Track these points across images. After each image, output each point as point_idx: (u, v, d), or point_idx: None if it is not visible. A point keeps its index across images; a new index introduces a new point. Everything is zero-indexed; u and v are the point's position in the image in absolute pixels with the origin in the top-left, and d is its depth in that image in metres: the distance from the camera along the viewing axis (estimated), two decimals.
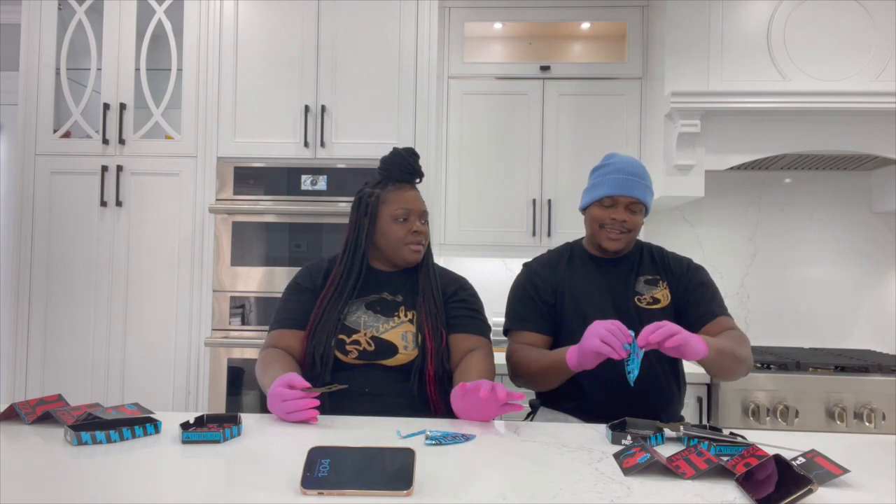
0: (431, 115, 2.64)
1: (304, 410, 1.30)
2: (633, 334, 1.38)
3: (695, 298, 1.69)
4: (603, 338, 1.35)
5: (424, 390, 1.54)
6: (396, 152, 1.66)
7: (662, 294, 1.71)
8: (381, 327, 1.56)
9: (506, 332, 1.77)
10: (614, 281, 1.72)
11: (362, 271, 1.63)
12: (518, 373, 1.67)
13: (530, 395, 1.84)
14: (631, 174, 1.66)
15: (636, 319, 1.66)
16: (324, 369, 1.52)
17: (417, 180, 1.69)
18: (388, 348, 1.54)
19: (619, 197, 1.66)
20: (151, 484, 0.93)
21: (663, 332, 1.35)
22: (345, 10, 2.66)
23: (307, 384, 1.33)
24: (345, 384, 1.44)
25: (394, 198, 1.62)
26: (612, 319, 1.41)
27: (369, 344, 1.54)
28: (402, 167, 1.65)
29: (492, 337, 2.82)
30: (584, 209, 1.77)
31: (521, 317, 1.73)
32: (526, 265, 1.83)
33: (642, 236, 2.81)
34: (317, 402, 1.32)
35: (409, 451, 0.96)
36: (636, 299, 1.69)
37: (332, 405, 1.50)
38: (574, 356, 1.46)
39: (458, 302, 1.66)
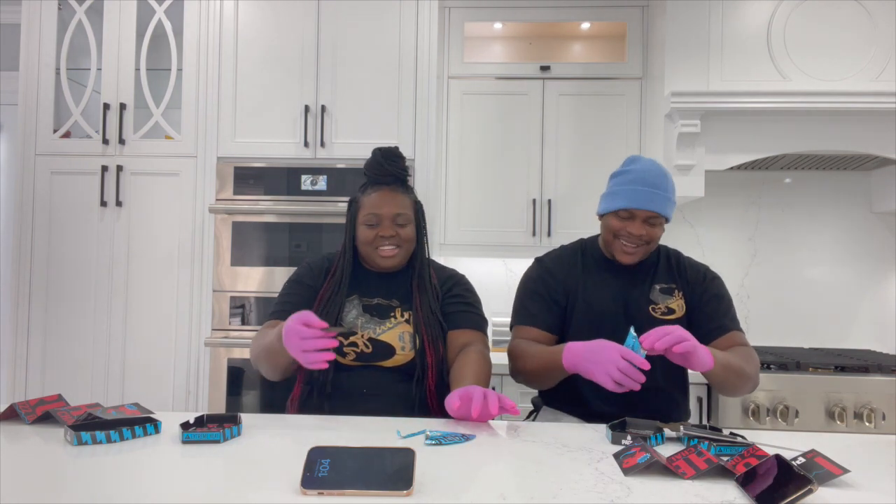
0: (431, 115, 2.64)
1: (320, 352, 1.28)
2: (634, 334, 1.36)
3: (708, 310, 1.64)
4: (617, 379, 1.32)
5: (424, 391, 1.54)
6: (373, 153, 1.61)
7: (677, 304, 1.65)
8: (378, 329, 1.56)
9: (512, 326, 1.72)
10: (629, 288, 1.66)
11: (349, 276, 1.61)
12: (517, 369, 1.63)
13: (534, 392, 1.83)
14: (651, 185, 1.57)
15: (649, 330, 1.62)
16: (323, 373, 1.52)
17: (394, 181, 1.61)
18: (386, 350, 1.54)
19: (636, 210, 1.58)
20: (151, 484, 0.93)
21: (670, 339, 1.31)
22: (345, 10, 2.67)
23: (324, 324, 1.30)
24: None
25: (366, 201, 1.59)
26: (621, 346, 1.35)
27: (367, 346, 1.54)
28: (376, 170, 1.60)
29: (496, 337, 2.84)
30: (600, 215, 1.69)
31: (529, 312, 1.67)
32: (539, 260, 1.75)
33: None
34: (335, 343, 1.30)
35: (409, 451, 0.96)
36: (650, 308, 1.64)
37: (332, 406, 1.50)
38: (571, 360, 1.43)
39: (453, 297, 1.65)
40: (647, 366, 1.32)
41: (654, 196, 1.57)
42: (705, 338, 1.62)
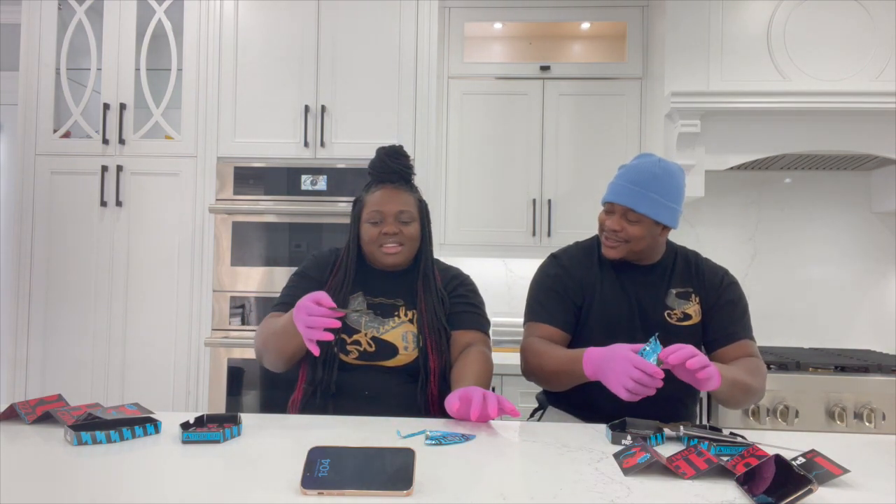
0: (431, 115, 2.64)
1: (320, 329, 1.29)
2: (657, 343, 1.32)
3: (721, 316, 1.61)
4: (630, 389, 1.28)
5: (426, 392, 1.54)
6: (377, 152, 1.62)
7: (694, 310, 1.62)
8: (382, 328, 1.55)
9: (525, 322, 1.68)
10: (644, 292, 1.63)
11: (352, 275, 1.60)
12: (530, 368, 1.59)
13: (537, 387, 1.82)
14: (633, 182, 1.55)
15: (664, 337, 1.55)
16: (327, 373, 1.52)
17: (399, 179, 1.61)
18: (389, 349, 1.54)
19: (615, 204, 1.58)
20: (151, 484, 0.93)
21: (682, 355, 1.28)
22: (345, 10, 2.67)
23: (332, 304, 1.33)
24: (340, 389, 1.46)
25: (369, 200, 1.59)
26: (634, 356, 1.31)
27: (370, 345, 1.53)
28: (381, 168, 1.60)
29: (496, 336, 2.84)
30: None
31: (545, 309, 1.63)
32: (555, 257, 1.71)
33: None
34: (338, 324, 1.31)
35: (409, 451, 0.96)
36: (666, 314, 1.61)
37: (334, 407, 1.49)
38: (591, 368, 1.39)
39: (457, 297, 1.65)
40: (661, 375, 1.28)
41: (633, 192, 1.54)
42: (715, 344, 1.60)
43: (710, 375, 1.30)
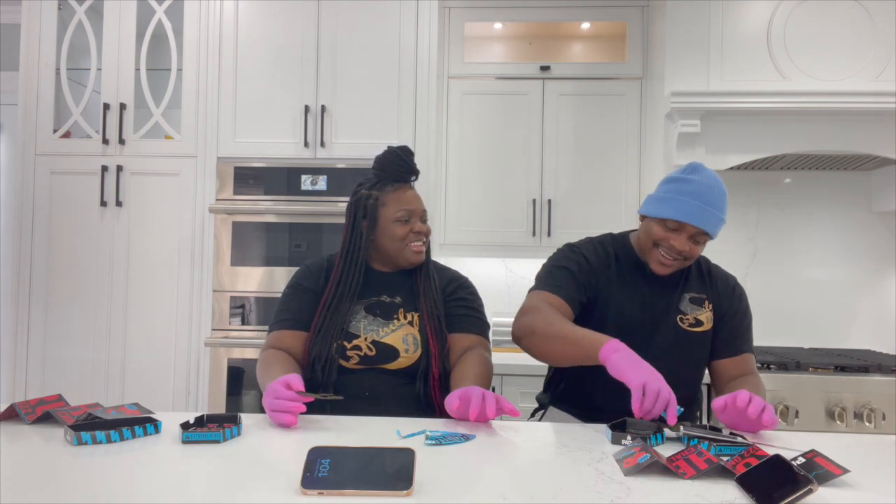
0: (431, 115, 2.64)
1: (285, 413, 1.26)
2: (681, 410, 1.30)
3: (730, 326, 1.61)
4: (650, 390, 1.23)
5: (429, 393, 1.54)
6: (392, 151, 1.61)
7: (706, 316, 1.61)
8: (381, 331, 1.55)
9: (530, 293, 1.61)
10: (659, 295, 1.61)
11: (360, 275, 1.59)
12: (529, 328, 1.48)
13: (537, 387, 1.82)
14: (709, 203, 1.49)
15: (675, 341, 1.58)
16: (327, 376, 1.52)
17: (414, 178, 1.65)
18: (390, 352, 1.53)
19: (686, 225, 1.50)
20: (151, 484, 0.93)
21: (758, 408, 1.27)
22: (345, 10, 2.67)
23: (301, 388, 1.30)
24: (340, 395, 1.43)
25: (393, 199, 1.59)
26: (664, 382, 1.26)
27: (370, 349, 1.53)
28: (400, 167, 1.61)
29: (496, 337, 2.84)
30: (643, 216, 1.60)
31: (557, 281, 1.57)
32: (573, 245, 1.66)
33: None
34: (303, 409, 1.27)
35: (409, 451, 0.96)
36: (678, 319, 1.59)
37: (333, 408, 1.49)
38: (613, 348, 1.31)
39: (457, 300, 1.64)
40: (673, 422, 1.26)
41: (709, 214, 1.49)
42: (719, 353, 1.60)
43: (777, 424, 1.30)
